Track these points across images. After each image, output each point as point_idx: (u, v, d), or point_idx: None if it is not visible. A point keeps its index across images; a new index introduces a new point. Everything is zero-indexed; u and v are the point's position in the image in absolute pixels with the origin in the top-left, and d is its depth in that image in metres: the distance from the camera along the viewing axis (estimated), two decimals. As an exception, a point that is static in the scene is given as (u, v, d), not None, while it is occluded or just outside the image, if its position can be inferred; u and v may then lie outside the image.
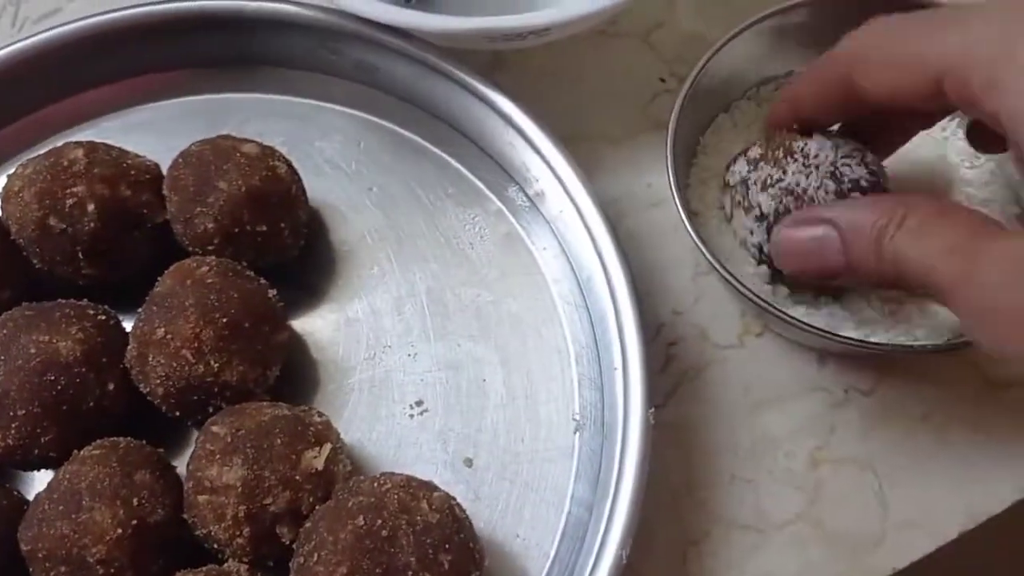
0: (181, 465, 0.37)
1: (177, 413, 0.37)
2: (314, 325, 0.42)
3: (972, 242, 0.29)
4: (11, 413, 0.35)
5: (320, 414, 0.37)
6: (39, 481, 0.39)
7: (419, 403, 0.41)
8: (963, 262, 0.29)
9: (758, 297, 0.37)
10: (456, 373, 0.41)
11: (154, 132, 0.46)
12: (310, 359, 0.42)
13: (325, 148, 0.46)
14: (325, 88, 0.47)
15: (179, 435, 0.40)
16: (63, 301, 0.39)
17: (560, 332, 0.42)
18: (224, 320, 0.36)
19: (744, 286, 0.37)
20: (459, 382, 0.41)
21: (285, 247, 0.41)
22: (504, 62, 0.49)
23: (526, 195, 0.44)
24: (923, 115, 0.38)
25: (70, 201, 0.39)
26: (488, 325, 0.42)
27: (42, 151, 0.42)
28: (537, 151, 0.43)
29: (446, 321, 0.42)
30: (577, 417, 0.40)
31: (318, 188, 0.44)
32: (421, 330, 0.42)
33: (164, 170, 0.42)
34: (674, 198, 0.39)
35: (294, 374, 0.41)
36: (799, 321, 0.37)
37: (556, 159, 0.42)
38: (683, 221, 0.39)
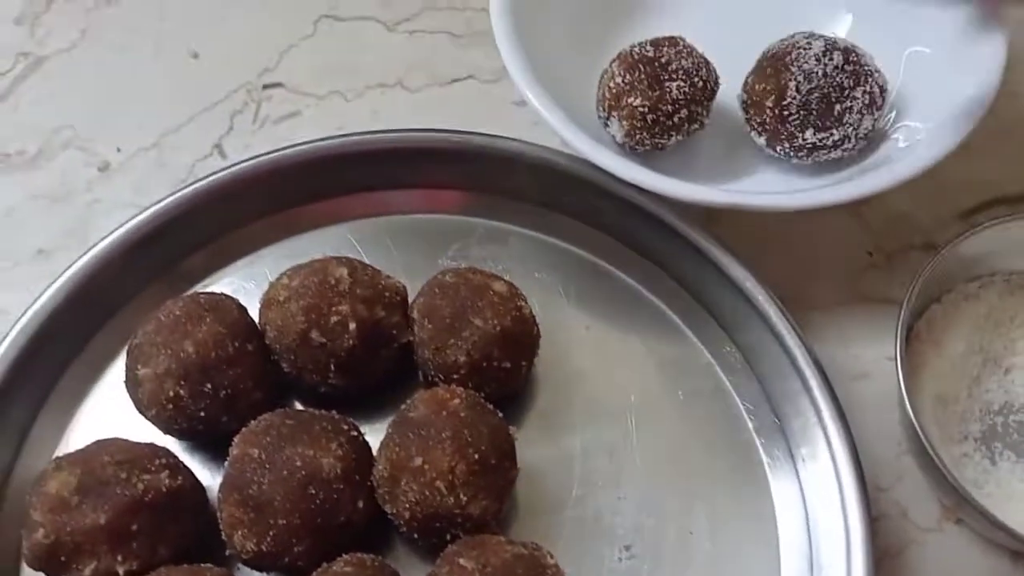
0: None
1: (415, 536, 0.39)
2: (531, 455, 0.44)
3: None
4: (271, 521, 0.37)
5: (550, 555, 0.38)
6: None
7: (628, 547, 0.42)
8: None
9: (960, 486, 0.38)
10: (663, 522, 0.43)
11: (382, 246, 0.49)
12: (523, 490, 0.44)
13: (545, 280, 0.48)
14: (548, 222, 0.50)
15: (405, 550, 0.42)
16: (318, 412, 0.41)
17: (766, 495, 0.43)
18: (476, 456, 0.38)
19: (951, 474, 0.39)
20: (667, 531, 0.42)
21: (519, 383, 0.43)
22: (719, 215, 0.51)
23: (739, 350, 0.46)
24: None
25: (334, 319, 0.41)
26: (698, 479, 0.44)
27: (274, 251, 0.47)
28: (755, 308, 0.45)
29: (655, 468, 0.44)
30: (781, 588, 0.41)
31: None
32: (629, 476, 0.44)
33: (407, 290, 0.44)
34: (899, 378, 0.41)
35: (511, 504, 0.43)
36: (995, 519, 0.38)
37: (774, 317, 0.44)
38: (905, 404, 0.40)
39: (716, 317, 0.47)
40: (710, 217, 0.51)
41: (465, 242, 0.49)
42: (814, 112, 0.46)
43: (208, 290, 0.47)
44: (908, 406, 0.40)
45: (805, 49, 0.46)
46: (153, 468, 0.39)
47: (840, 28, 0.52)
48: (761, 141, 0.49)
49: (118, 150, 0.53)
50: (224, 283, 0.48)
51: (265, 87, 0.55)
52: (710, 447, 0.44)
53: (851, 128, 0.47)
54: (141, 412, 0.42)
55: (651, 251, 0.48)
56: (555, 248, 0.49)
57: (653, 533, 0.42)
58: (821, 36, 0.47)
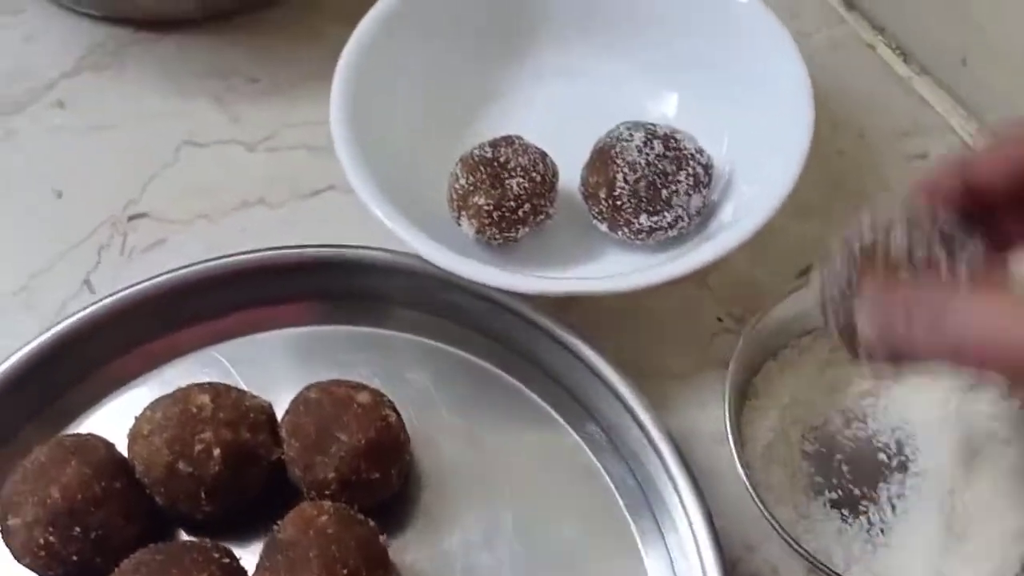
0: None
1: (294, 656, 0.40)
2: (411, 558, 0.45)
3: None
4: (145, 660, 0.38)
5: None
6: None
7: (513, 639, 0.43)
8: None
9: (808, 554, 0.41)
10: (546, 607, 0.44)
11: (256, 364, 0.50)
12: (406, 592, 0.45)
13: (415, 380, 0.50)
14: (412, 322, 0.51)
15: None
16: (188, 542, 0.41)
17: (640, 568, 0.45)
18: (345, 571, 0.39)
19: (800, 546, 0.41)
20: (549, 616, 0.44)
21: (392, 489, 0.45)
22: (573, 299, 0.53)
23: (602, 430, 0.48)
24: None
25: (198, 447, 0.42)
26: (574, 561, 0.45)
27: (150, 380, 0.47)
28: (611, 389, 0.47)
29: (535, 554, 0.45)
30: (661, 653, 0.43)
31: (408, 419, 0.47)
32: (511, 566, 0.45)
33: (273, 405, 0.46)
34: (735, 456, 0.43)
35: (394, 608, 0.44)
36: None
37: (630, 398, 0.46)
38: (747, 487, 0.42)
39: (578, 399, 0.49)
40: (566, 302, 0.53)
41: (336, 350, 0.51)
42: (644, 199, 0.49)
43: (84, 426, 0.48)
44: (744, 477, 0.43)
45: (627, 141, 0.49)
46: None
47: (668, 107, 0.56)
48: (604, 228, 0.52)
49: (-13, 296, 0.54)
50: (99, 417, 0.49)
51: (130, 218, 0.56)
52: (585, 527, 0.46)
53: (681, 209, 0.50)
54: (18, 561, 0.42)
55: (511, 341, 0.50)
56: (422, 346, 0.51)
57: (537, 621, 0.44)
58: (642, 125, 0.50)
